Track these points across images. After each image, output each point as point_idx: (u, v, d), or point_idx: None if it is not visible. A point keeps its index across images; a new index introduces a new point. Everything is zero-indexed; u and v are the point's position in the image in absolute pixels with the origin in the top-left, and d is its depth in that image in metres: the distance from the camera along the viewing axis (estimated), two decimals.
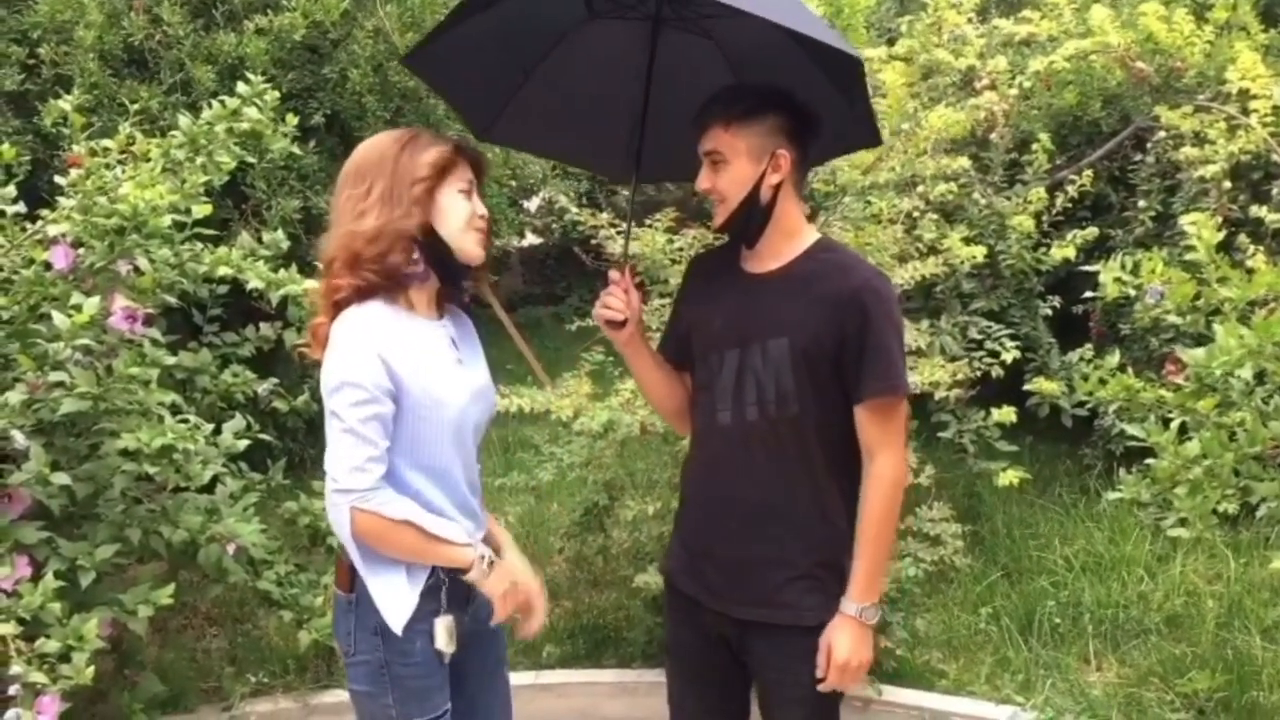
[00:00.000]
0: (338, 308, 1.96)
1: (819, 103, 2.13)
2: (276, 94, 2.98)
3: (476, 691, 2.23)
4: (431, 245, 2.01)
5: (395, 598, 1.98)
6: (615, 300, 2.22)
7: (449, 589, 2.04)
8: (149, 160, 2.77)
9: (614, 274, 2.25)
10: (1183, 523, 2.31)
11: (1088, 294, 2.61)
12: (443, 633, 2.03)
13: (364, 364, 1.89)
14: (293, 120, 3.03)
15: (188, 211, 2.79)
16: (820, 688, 2.11)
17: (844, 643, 2.08)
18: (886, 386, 2.07)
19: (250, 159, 3.07)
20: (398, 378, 1.92)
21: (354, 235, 1.95)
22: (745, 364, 2.13)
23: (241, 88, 2.95)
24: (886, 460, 2.09)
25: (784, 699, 2.20)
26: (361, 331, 1.92)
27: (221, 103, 2.91)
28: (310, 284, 2.96)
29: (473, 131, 2.49)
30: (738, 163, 2.09)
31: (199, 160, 2.85)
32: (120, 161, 2.76)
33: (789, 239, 2.17)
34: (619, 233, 3.60)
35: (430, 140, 2.05)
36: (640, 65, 2.27)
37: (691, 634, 2.30)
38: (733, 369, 2.15)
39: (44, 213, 2.71)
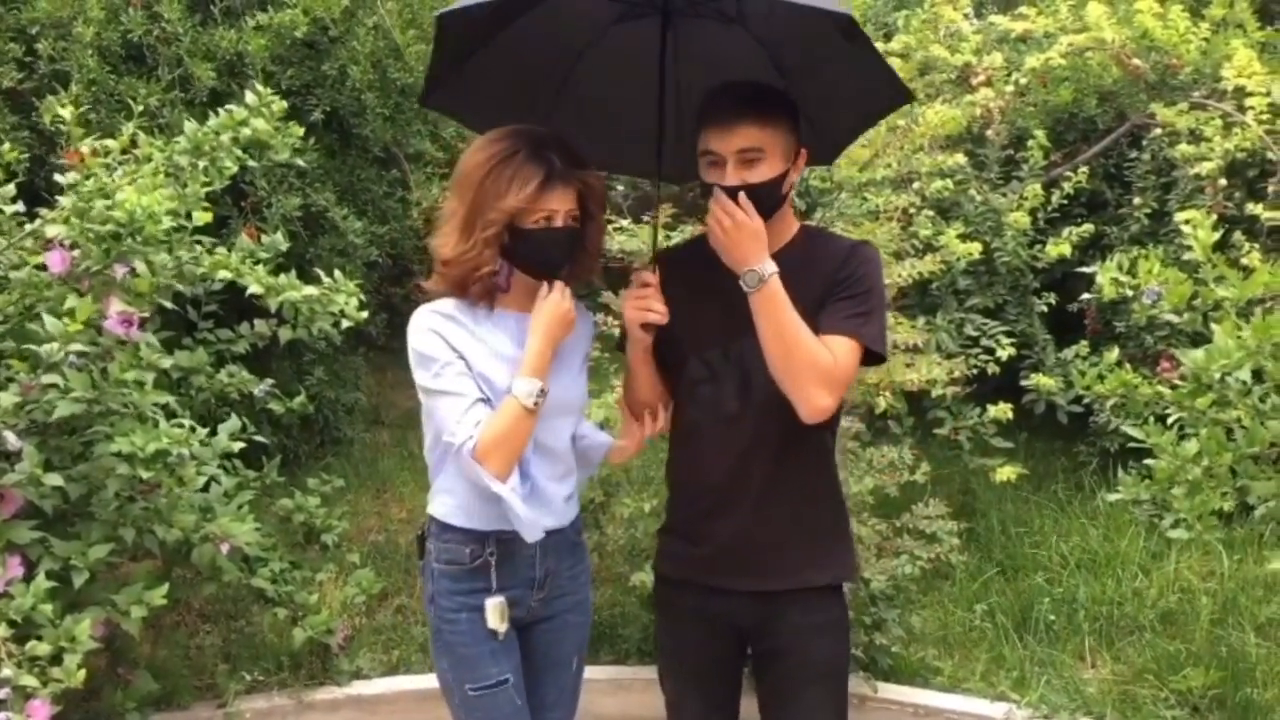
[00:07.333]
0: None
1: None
2: (284, 103, 2.91)
3: (538, 673, 2.31)
4: (516, 246, 2.09)
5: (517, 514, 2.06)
6: (658, 304, 2.15)
7: (499, 566, 2.15)
8: (150, 162, 2.71)
9: (646, 275, 2.18)
10: (1178, 523, 2.30)
11: (1085, 295, 2.61)
12: (493, 613, 2.15)
13: (428, 340, 2.08)
14: (298, 131, 2.95)
15: (188, 216, 2.73)
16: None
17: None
18: (854, 326, 2.07)
19: (251, 161, 3.03)
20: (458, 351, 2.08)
21: (440, 249, 2.11)
22: (746, 353, 2.11)
23: (250, 98, 2.86)
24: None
25: (803, 679, 2.22)
26: (421, 319, 2.10)
27: (229, 112, 2.82)
28: (310, 290, 2.90)
29: None
30: (773, 160, 2.08)
31: (201, 165, 2.78)
32: (121, 162, 2.71)
33: (779, 229, 2.17)
34: (617, 229, 3.58)
35: (518, 168, 2.03)
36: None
37: (694, 629, 2.30)
38: (734, 360, 2.15)
39: (42, 211, 2.68)
